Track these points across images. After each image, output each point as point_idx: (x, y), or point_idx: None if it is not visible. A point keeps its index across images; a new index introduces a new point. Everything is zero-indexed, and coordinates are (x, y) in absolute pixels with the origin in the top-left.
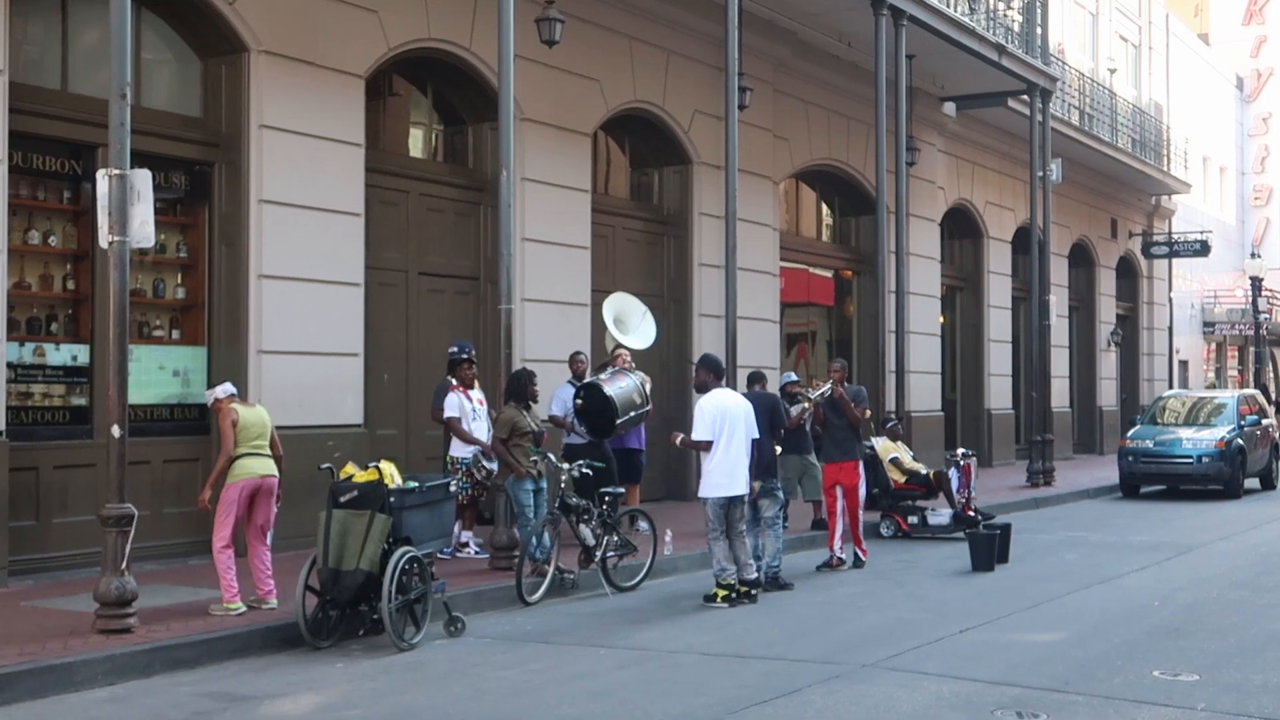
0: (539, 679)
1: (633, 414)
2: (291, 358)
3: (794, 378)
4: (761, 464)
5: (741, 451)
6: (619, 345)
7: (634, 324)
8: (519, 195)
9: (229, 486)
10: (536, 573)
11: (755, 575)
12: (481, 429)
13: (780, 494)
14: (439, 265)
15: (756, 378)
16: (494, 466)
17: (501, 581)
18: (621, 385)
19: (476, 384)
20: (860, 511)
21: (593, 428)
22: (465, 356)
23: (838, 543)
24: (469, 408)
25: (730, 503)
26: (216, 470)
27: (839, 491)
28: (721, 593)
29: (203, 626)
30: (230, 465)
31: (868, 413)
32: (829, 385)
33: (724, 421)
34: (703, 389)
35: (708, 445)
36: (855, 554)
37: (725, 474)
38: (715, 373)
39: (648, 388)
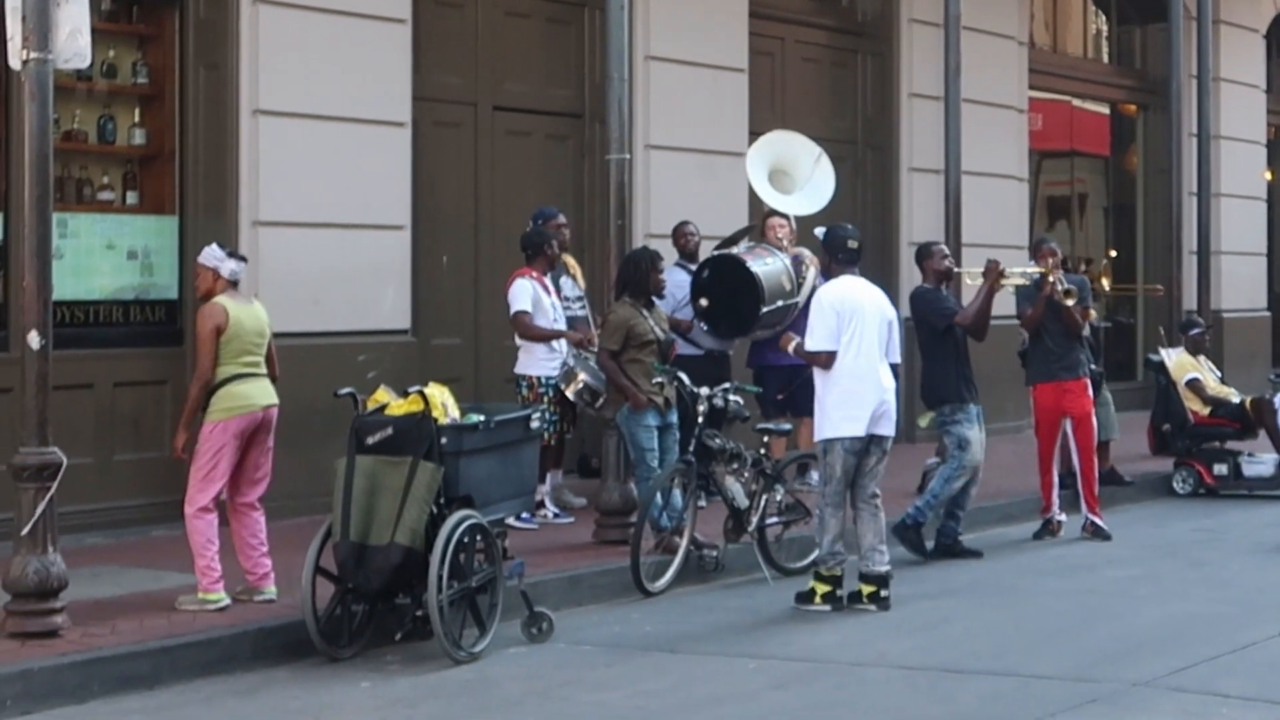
0: (657, 704)
1: (780, 304)
2: (302, 231)
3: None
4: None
5: (878, 369)
6: (772, 211)
7: (801, 176)
8: None
9: (215, 426)
10: (662, 548)
11: (886, 568)
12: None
13: (957, 428)
14: (523, 96)
15: (924, 253)
16: (592, 379)
17: (610, 561)
18: (767, 262)
19: (571, 261)
20: (1095, 456)
21: (721, 323)
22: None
23: (1056, 499)
24: (547, 303)
25: (866, 448)
26: (191, 402)
27: (1066, 425)
28: (823, 589)
29: (166, 628)
30: (213, 393)
31: (1091, 314)
32: (1035, 270)
33: (852, 323)
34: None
35: (827, 358)
36: (1094, 521)
37: (856, 402)
38: (836, 253)
39: (813, 274)
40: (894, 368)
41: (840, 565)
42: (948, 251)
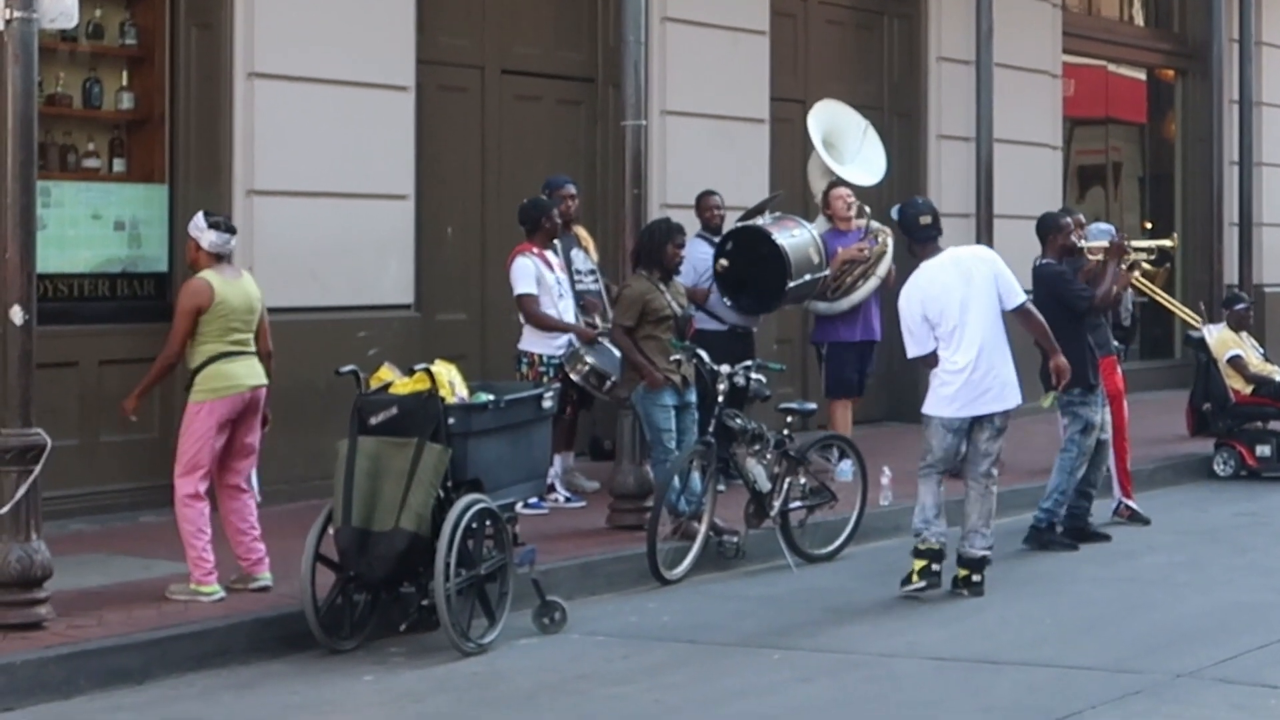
0: (677, 698)
1: (808, 277)
2: (300, 201)
3: (1109, 229)
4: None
5: (988, 347)
6: (834, 182)
7: (850, 148)
8: None
9: (201, 407)
10: (680, 534)
11: (984, 552)
12: (570, 309)
13: (1085, 411)
14: (533, 60)
15: (1051, 226)
16: (599, 361)
17: (625, 547)
18: (793, 234)
19: (583, 232)
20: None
21: (746, 297)
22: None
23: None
24: (551, 279)
25: (973, 427)
26: (151, 374)
27: None
28: (917, 564)
29: (156, 619)
30: (198, 371)
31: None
32: (1161, 242)
33: (945, 313)
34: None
35: (933, 358)
36: (1129, 505)
37: (954, 383)
38: (912, 232)
39: (889, 243)
40: (1020, 309)
41: (937, 539)
42: (1074, 225)
